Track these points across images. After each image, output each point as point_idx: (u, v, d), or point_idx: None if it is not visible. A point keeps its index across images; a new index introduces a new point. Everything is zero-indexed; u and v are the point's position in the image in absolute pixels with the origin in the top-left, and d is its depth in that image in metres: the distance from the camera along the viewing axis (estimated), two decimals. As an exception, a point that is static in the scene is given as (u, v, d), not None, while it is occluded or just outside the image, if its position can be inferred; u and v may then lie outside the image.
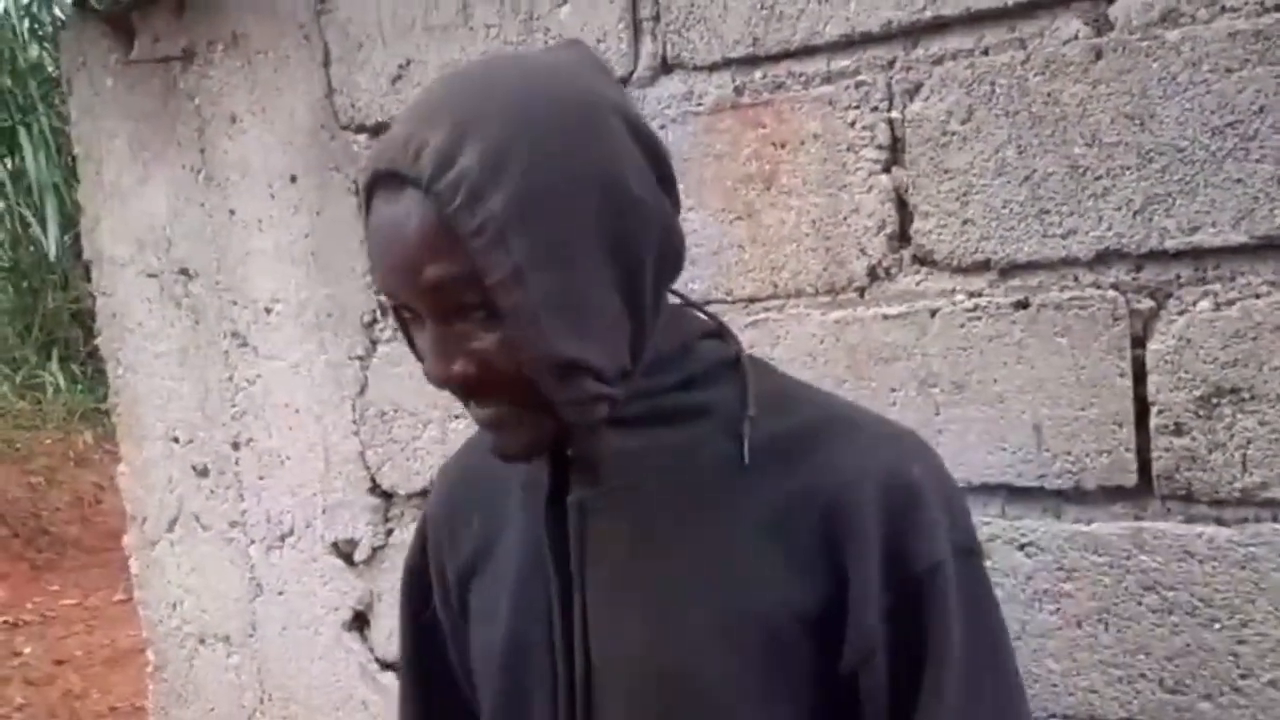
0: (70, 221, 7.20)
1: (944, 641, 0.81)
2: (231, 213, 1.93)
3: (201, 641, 2.12)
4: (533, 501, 0.90)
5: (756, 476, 0.83)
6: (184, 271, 2.01)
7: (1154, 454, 1.22)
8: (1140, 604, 1.24)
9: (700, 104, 1.44)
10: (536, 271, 0.74)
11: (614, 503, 0.86)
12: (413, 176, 0.74)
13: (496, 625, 0.91)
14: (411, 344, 0.84)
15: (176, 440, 2.07)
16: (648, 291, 0.81)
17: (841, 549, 0.81)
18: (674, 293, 0.89)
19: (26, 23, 7.96)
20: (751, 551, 0.83)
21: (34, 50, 7.85)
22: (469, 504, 0.99)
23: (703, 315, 0.91)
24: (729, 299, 1.43)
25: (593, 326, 0.77)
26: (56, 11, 7.66)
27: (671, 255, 0.84)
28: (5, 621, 5.11)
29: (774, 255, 1.41)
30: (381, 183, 0.77)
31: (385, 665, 1.88)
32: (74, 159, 2.19)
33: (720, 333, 0.91)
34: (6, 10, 7.77)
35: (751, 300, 1.43)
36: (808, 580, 0.81)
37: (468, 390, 0.79)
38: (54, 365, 7.37)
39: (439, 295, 0.75)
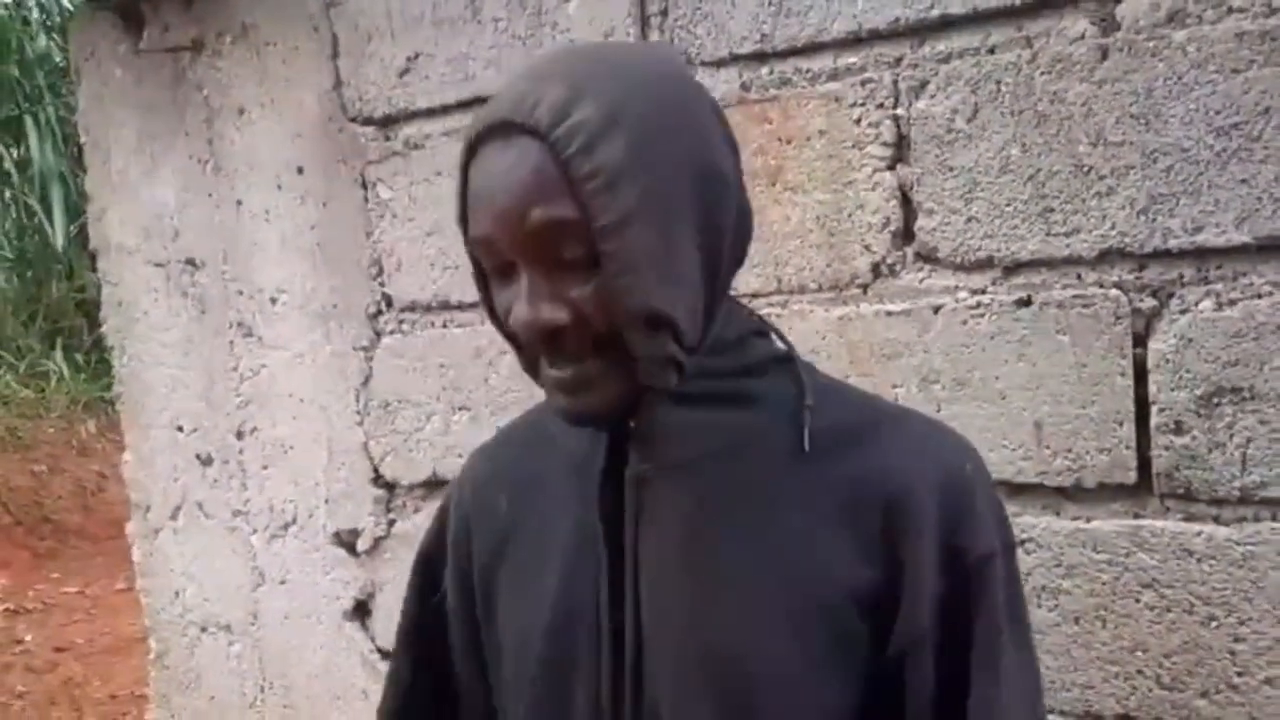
0: (76, 211, 7.22)
1: (994, 632, 0.84)
2: (238, 203, 1.93)
3: (203, 630, 2.12)
4: (582, 479, 0.90)
5: (814, 463, 0.85)
6: (190, 261, 2.01)
7: (1154, 452, 1.23)
8: (1138, 601, 1.25)
9: (707, 99, 1.45)
10: (640, 222, 0.77)
11: (672, 478, 0.86)
12: (529, 125, 0.76)
13: (539, 603, 0.91)
14: (490, 309, 0.85)
15: (181, 429, 2.08)
16: (723, 269, 0.84)
17: (899, 537, 0.83)
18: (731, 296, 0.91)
19: (35, 12, 7.97)
20: (809, 536, 0.84)
21: (41, 40, 7.86)
22: (497, 489, 0.99)
23: (751, 315, 0.93)
24: (732, 294, 1.44)
25: (681, 287, 0.80)
26: (65, 2, 7.68)
27: (742, 240, 0.87)
28: (7, 609, 5.12)
29: (778, 251, 1.42)
30: (494, 133, 0.78)
31: (386, 655, 1.88)
32: (80, 149, 2.19)
33: (768, 332, 0.93)
34: (15, 0, 7.78)
35: (755, 296, 1.44)
36: (863, 566, 0.83)
37: (554, 340, 0.80)
38: (58, 354, 7.38)
39: (543, 239, 0.77)
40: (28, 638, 4.85)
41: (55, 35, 7.85)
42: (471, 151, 0.80)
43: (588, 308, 0.78)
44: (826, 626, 0.84)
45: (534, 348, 0.82)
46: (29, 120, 6.87)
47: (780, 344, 0.92)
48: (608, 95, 0.77)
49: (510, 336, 0.84)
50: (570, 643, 0.89)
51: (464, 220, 0.82)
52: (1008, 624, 0.84)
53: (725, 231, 0.83)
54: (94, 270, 2.17)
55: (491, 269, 0.82)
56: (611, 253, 0.77)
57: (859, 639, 0.84)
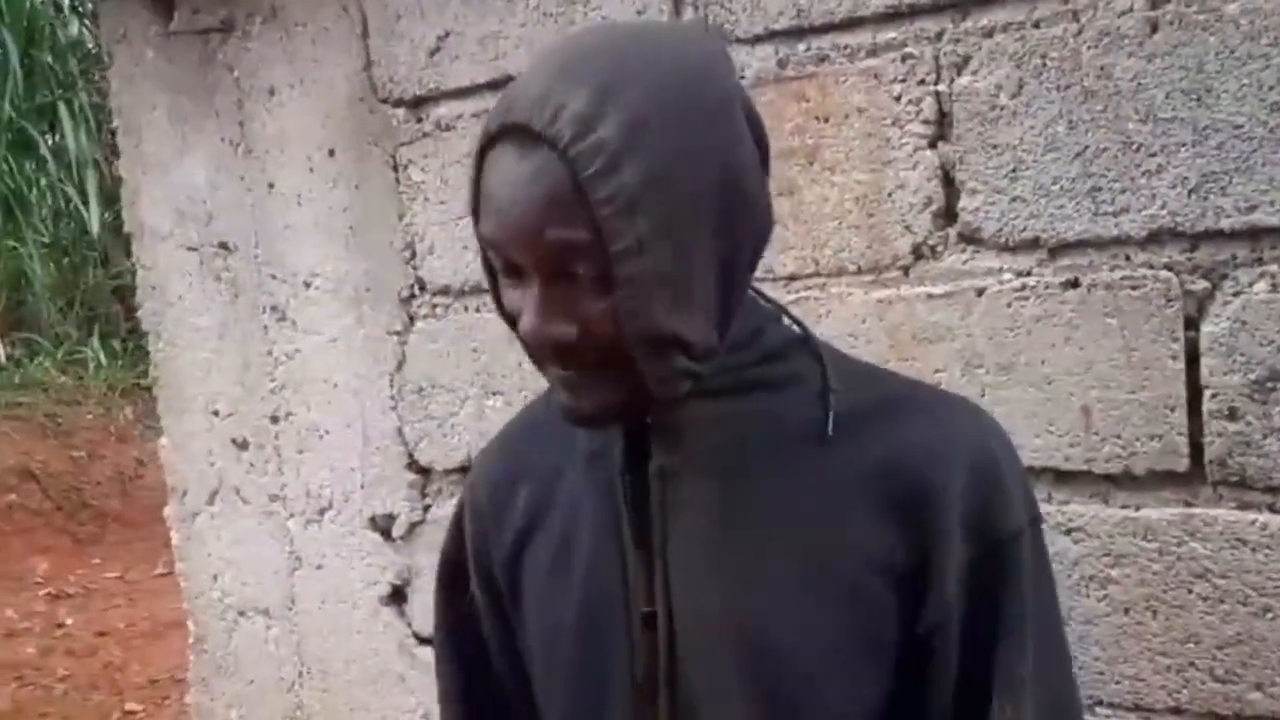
0: (110, 197, 7.27)
1: (1022, 607, 0.84)
2: (270, 186, 1.93)
3: (241, 614, 2.13)
4: (600, 471, 0.90)
5: (840, 445, 0.85)
6: (223, 245, 2.01)
7: (1206, 438, 1.20)
8: (1190, 592, 1.22)
9: (742, 77, 1.41)
10: (656, 246, 0.75)
11: (696, 468, 0.86)
12: (550, 136, 0.74)
13: (566, 599, 0.91)
14: (498, 300, 0.84)
15: (216, 413, 2.08)
16: (740, 279, 0.83)
17: (927, 515, 0.83)
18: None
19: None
20: (837, 517, 0.84)
21: (74, 27, 7.91)
22: (515, 480, 0.98)
23: (765, 301, 0.92)
24: (769, 277, 1.41)
25: (694, 303, 0.79)
26: (97, -13, 7.72)
27: (762, 245, 0.86)
28: (48, 594, 5.18)
29: (816, 232, 1.39)
30: (510, 135, 0.76)
31: (422, 640, 1.88)
32: (114, 134, 2.19)
33: (784, 317, 0.92)
34: (48, -14, 7.84)
35: (792, 278, 1.41)
36: (892, 546, 0.83)
37: (560, 352, 0.79)
38: (95, 341, 7.45)
39: (556, 257, 0.76)
40: (68, 622, 4.92)
41: (87, 21, 7.90)
42: (489, 145, 0.78)
43: (597, 325, 0.77)
44: (857, 607, 0.84)
45: (538, 353, 0.81)
46: (63, 107, 6.92)
47: (796, 328, 0.91)
48: (632, 107, 0.74)
49: (518, 335, 0.83)
50: (600, 637, 0.89)
51: (475, 212, 0.80)
52: (1035, 597, 0.85)
53: (744, 240, 0.82)
54: (129, 256, 2.17)
55: (501, 268, 0.81)
56: (626, 277, 0.75)
57: (890, 618, 0.84)
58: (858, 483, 0.84)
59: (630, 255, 0.75)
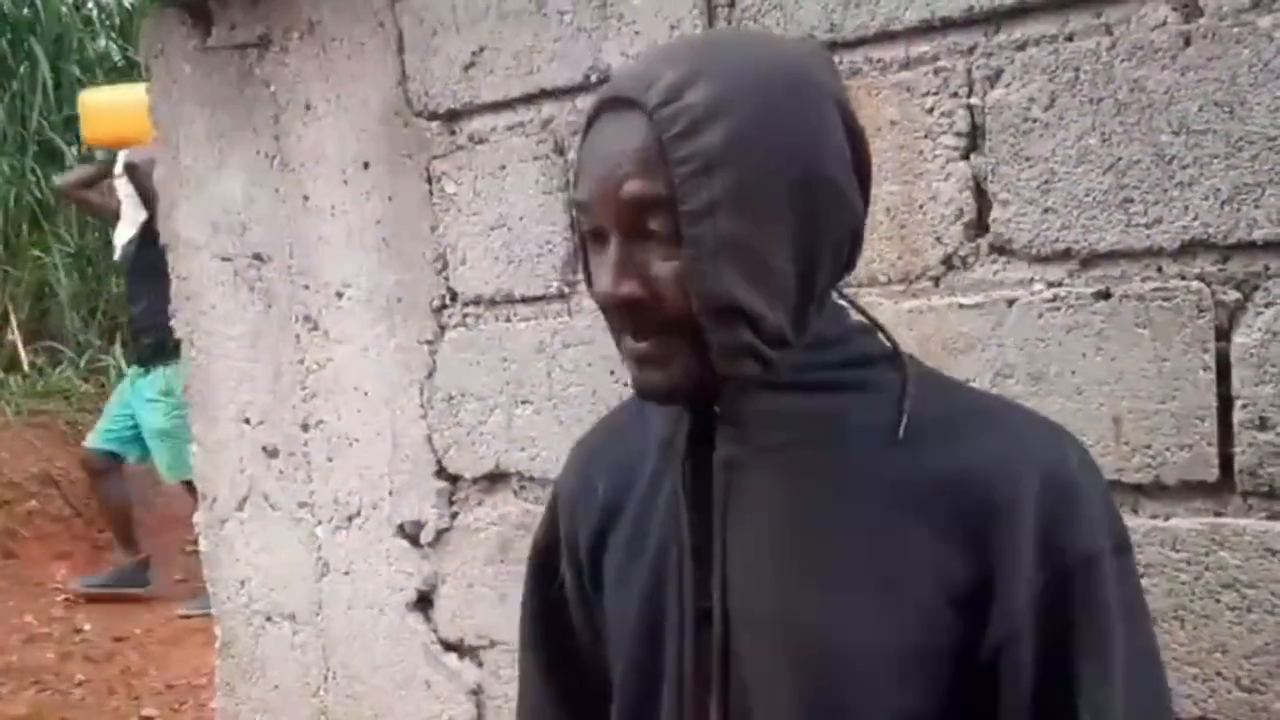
0: (135, 208, 7.32)
1: (1103, 631, 0.81)
2: (305, 198, 1.95)
3: (268, 619, 2.15)
4: (672, 460, 0.91)
5: (911, 453, 0.84)
6: (257, 256, 2.04)
7: (1236, 449, 1.20)
8: (1219, 601, 1.22)
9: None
10: (727, 211, 0.78)
11: (762, 462, 0.86)
12: (641, 101, 0.80)
13: (632, 587, 0.92)
14: (587, 272, 0.87)
15: (248, 421, 2.10)
16: (821, 271, 0.84)
17: (994, 533, 0.81)
18: (839, 293, 0.91)
19: (95, 12, 8.10)
20: (903, 525, 0.83)
21: (102, 41, 7.99)
22: (595, 473, 1.00)
23: (863, 315, 0.93)
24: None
25: (763, 281, 0.80)
26: (125, 1, 7.80)
27: (849, 247, 0.87)
28: (67, 600, 5.21)
29: (848, 243, 1.41)
30: (610, 106, 0.83)
31: (448, 646, 1.90)
32: (140, 146, 2.21)
33: (874, 330, 0.92)
34: (75, 2, 7.92)
35: (824, 288, 1.43)
36: (957, 560, 0.82)
37: (630, 313, 0.82)
38: (117, 350, 7.50)
39: (633, 211, 0.80)
40: (87, 627, 4.94)
41: (115, 35, 7.98)
42: (591, 120, 0.84)
43: (665, 287, 0.80)
44: (916, 620, 0.82)
45: (613, 318, 0.85)
46: (90, 118, 6.98)
47: (887, 342, 0.91)
48: (722, 83, 0.79)
49: (601, 307, 0.86)
50: (659, 630, 0.89)
51: (575, 185, 0.85)
52: (1121, 623, 0.82)
53: (824, 235, 0.83)
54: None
55: (589, 234, 0.85)
56: (695, 237, 0.79)
57: (951, 631, 0.82)
58: (924, 494, 0.83)
59: (702, 216, 0.78)
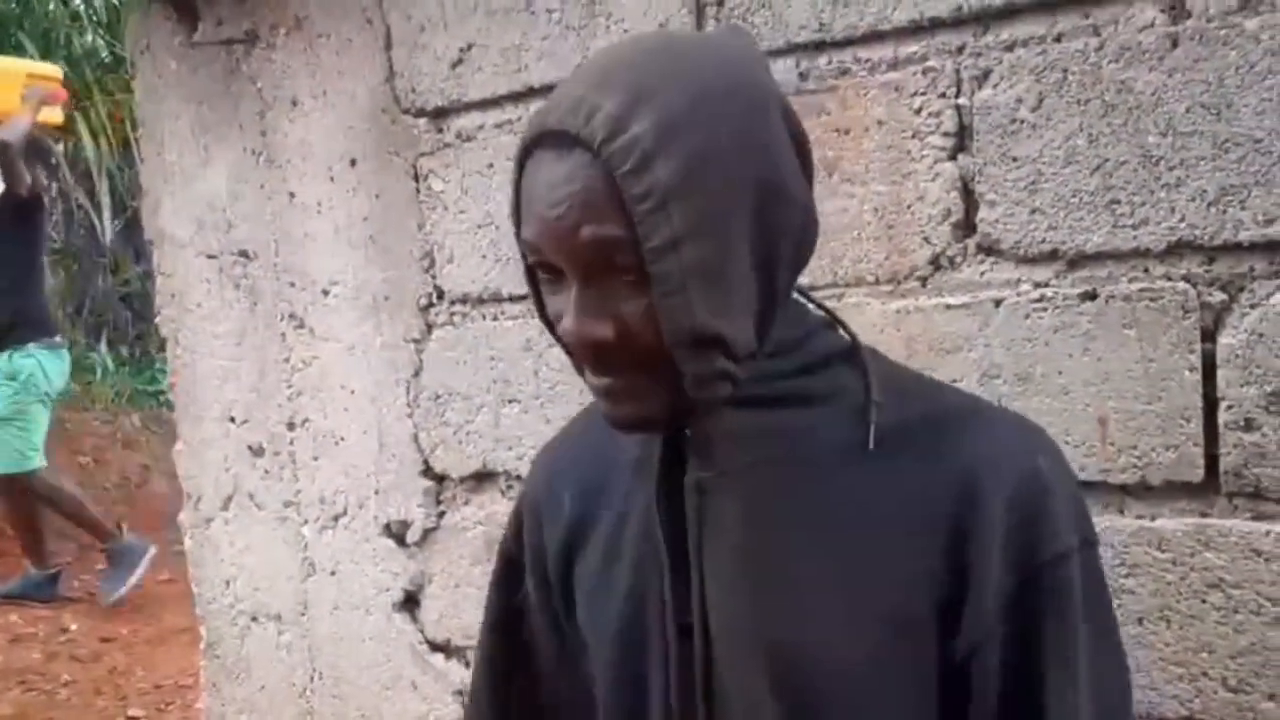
0: (122, 205, 7.30)
1: (1069, 630, 0.82)
2: (291, 195, 1.94)
3: (254, 619, 2.14)
4: (643, 481, 0.90)
5: (880, 462, 0.84)
6: (243, 253, 2.03)
7: (1222, 450, 1.20)
8: (1204, 602, 1.23)
9: (764, 90, 1.44)
10: (692, 242, 0.76)
11: (732, 483, 0.86)
12: (584, 137, 0.75)
13: (611, 598, 0.91)
14: (540, 307, 0.85)
15: (233, 420, 2.09)
16: (781, 276, 0.83)
17: (966, 536, 0.81)
18: (799, 291, 0.90)
19: (82, 8, 8.07)
20: (876, 536, 0.83)
21: (89, 36, 7.95)
22: (561, 486, 0.99)
23: (816, 307, 0.92)
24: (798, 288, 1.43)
25: (733, 303, 0.79)
26: (113, -2, 7.77)
27: (806, 246, 0.86)
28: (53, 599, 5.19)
29: (834, 243, 1.40)
30: (547, 141, 0.78)
31: (435, 646, 1.89)
32: (127, 144, 2.21)
33: (834, 324, 0.92)
34: (63, -2, 7.89)
35: (811, 289, 1.41)
36: (930, 565, 0.82)
37: (600, 354, 0.80)
38: (103, 347, 7.47)
39: (593, 255, 0.77)
40: (73, 627, 4.92)
41: (103, 31, 7.94)
42: (527, 153, 0.80)
43: (635, 325, 0.78)
44: (893, 626, 0.82)
45: (578, 356, 0.82)
46: (78, 116, 6.96)
47: (846, 336, 0.90)
48: (666, 107, 0.76)
49: (559, 339, 0.84)
50: (640, 648, 0.89)
51: (517, 220, 0.81)
52: (1086, 622, 0.82)
53: (783, 240, 0.82)
54: (138, 264, 2.19)
55: (542, 273, 0.82)
56: (662, 274, 0.76)
57: (926, 639, 0.82)
58: (896, 501, 0.83)
59: (666, 252, 0.75)
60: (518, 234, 0.82)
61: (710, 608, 0.86)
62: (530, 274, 0.85)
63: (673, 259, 0.76)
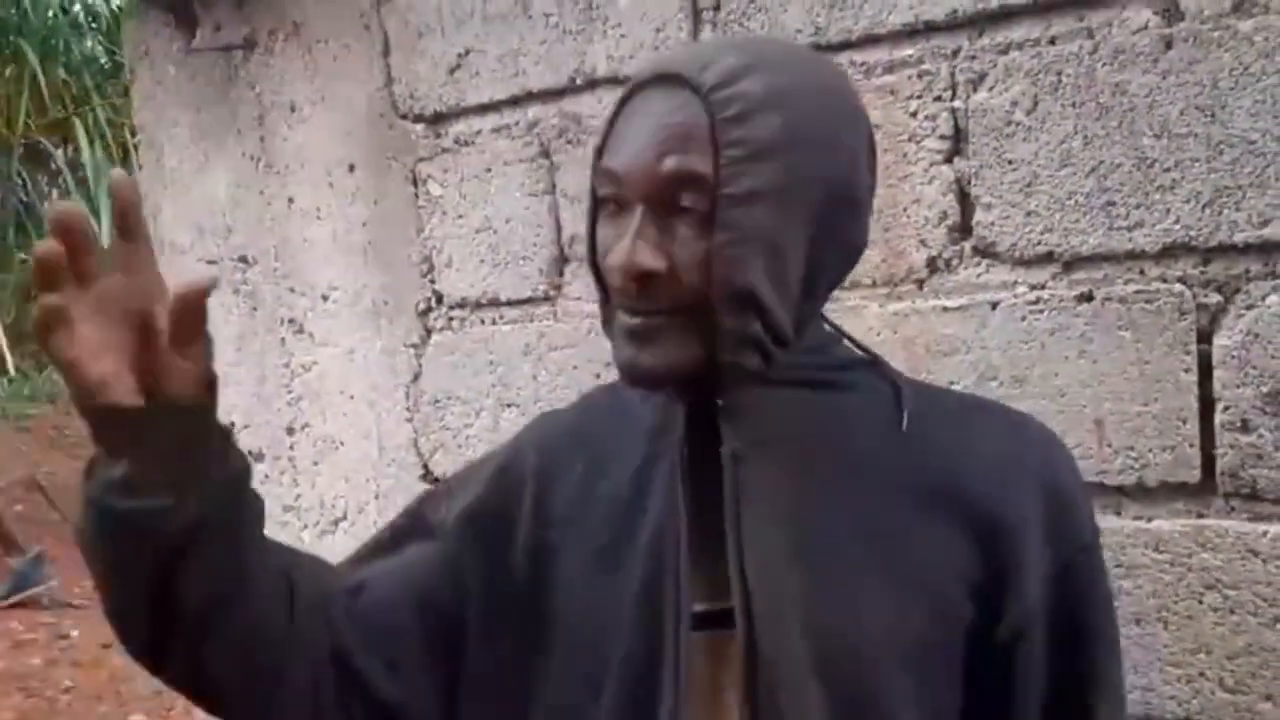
0: (122, 212, 7.28)
1: (1102, 619, 0.87)
2: (290, 201, 1.95)
3: (253, 624, 2.14)
4: (663, 461, 0.87)
5: (912, 446, 0.86)
6: (242, 258, 2.03)
7: (1218, 450, 1.21)
8: (1201, 602, 1.23)
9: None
10: (765, 202, 0.78)
11: (770, 455, 0.85)
12: (695, 81, 0.78)
13: (621, 575, 0.87)
14: (592, 243, 0.85)
15: (233, 425, 2.10)
16: (825, 278, 0.85)
17: (1005, 539, 0.83)
18: None
19: (82, 15, 8.09)
20: (912, 519, 0.84)
21: (89, 42, 7.97)
22: (573, 456, 0.95)
23: (832, 327, 0.93)
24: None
25: (780, 277, 0.80)
26: (112, 3, 7.79)
27: (848, 265, 0.88)
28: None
29: (832, 246, 1.41)
30: (660, 81, 0.81)
31: (435, 650, 1.89)
32: (126, 149, 2.21)
33: (845, 340, 0.94)
34: (62, 5, 7.90)
35: (809, 291, 1.43)
36: (968, 551, 0.84)
37: (645, 287, 0.79)
38: (104, 353, 7.46)
39: (670, 186, 0.78)
40: (74, 633, 4.93)
41: (102, 37, 7.96)
42: (632, 92, 0.82)
43: (687, 265, 0.79)
44: (934, 611, 0.84)
45: (622, 291, 0.81)
46: (78, 121, 6.97)
47: (858, 350, 0.93)
48: (778, 77, 0.79)
49: (600, 278, 0.85)
50: (658, 618, 0.85)
51: (599, 153, 0.83)
52: (1106, 622, 0.88)
53: (836, 249, 0.84)
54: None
55: (607, 201, 0.83)
56: (731, 221, 0.78)
57: (959, 624, 0.84)
58: (929, 487, 0.85)
59: (740, 202, 0.77)
60: (596, 167, 0.83)
61: (753, 588, 0.83)
62: (592, 211, 0.85)
63: (744, 212, 0.77)
